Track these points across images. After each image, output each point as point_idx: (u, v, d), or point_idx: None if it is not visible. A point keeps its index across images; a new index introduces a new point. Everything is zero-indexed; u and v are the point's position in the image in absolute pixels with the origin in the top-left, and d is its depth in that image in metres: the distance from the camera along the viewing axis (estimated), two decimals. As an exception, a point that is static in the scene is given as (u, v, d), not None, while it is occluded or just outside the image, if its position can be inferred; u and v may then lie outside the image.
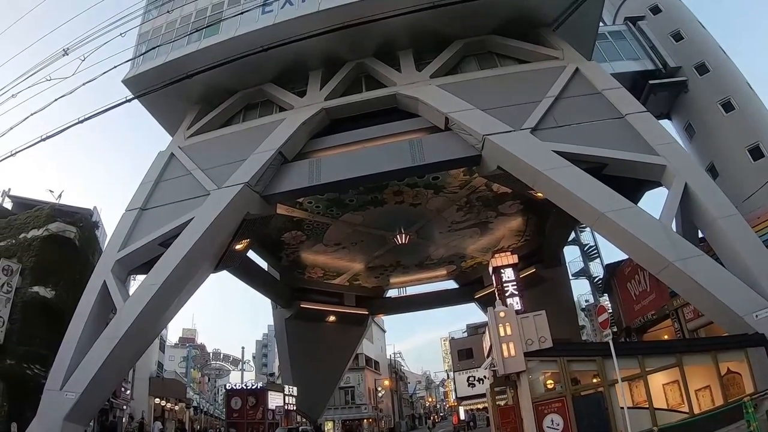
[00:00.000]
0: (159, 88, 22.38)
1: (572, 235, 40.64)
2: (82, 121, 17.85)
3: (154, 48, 26.35)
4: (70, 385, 18.66)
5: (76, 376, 18.80)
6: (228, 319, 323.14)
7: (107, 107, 17.74)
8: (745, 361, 14.38)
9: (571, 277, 40.05)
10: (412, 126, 23.01)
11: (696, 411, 14.30)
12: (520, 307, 24.63)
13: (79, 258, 27.59)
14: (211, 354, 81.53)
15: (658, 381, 15.19)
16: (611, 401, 15.06)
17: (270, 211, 23.86)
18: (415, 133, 22.69)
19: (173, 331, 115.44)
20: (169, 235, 21.40)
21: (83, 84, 17.20)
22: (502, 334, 16.77)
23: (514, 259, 28.63)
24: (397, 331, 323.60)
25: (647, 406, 14.79)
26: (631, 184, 18.76)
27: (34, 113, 18.18)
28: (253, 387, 36.62)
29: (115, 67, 19.22)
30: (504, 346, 16.67)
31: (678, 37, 32.83)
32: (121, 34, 20.52)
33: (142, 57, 26.47)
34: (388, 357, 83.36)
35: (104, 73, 17.78)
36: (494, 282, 28.62)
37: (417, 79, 23.49)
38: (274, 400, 36.18)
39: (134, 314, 19.59)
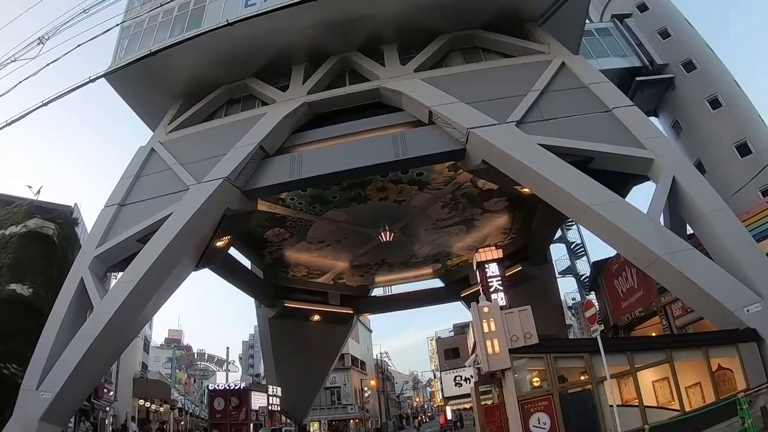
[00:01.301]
0: (125, 67, 21.96)
1: (559, 233, 40.62)
2: (46, 104, 17.45)
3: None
4: (46, 385, 18.06)
5: (52, 375, 18.21)
6: (215, 320, 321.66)
7: (72, 87, 17.28)
8: (736, 357, 14.04)
9: (557, 275, 40.03)
10: (396, 120, 22.63)
11: (687, 408, 13.96)
12: (504, 303, 24.02)
13: (57, 255, 26.88)
14: (195, 354, 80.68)
15: (647, 378, 14.82)
16: (600, 399, 14.63)
17: (250, 207, 23.34)
18: (399, 128, 22.30)
19: (159, 332, 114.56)
20: (148, 230, 20.85)
21: (47, 64, 16.63)
22: (486, 330, 16.21)
23: (498, 253, 28.05)
24: (384, 332, 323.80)
25: (637, 403, 14.42)
26: (618, 178, 18.42)
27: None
28: (236, 387, 35.96)
29: (79, 45, 18.65)
30: (488, 343, 16.10)
31: (665, 34, 33.06)
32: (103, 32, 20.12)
33: (123, 50, 25.97)
34: (375, 357, 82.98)
35: (67, 53, 17.22)
36: (478, 277, 28.03)
37: (401, 73, 23.11)
38: (258, 400, 35.53)
39: (111, 312, 19.00)
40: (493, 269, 27.88)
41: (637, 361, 14.88)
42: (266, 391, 37.74)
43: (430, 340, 79.67)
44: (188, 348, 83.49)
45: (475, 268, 28.30)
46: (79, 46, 18.39)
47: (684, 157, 18.29)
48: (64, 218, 29.18)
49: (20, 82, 16.71)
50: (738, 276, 14.83)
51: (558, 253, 41.71)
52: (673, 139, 30.47)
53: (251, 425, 33.64)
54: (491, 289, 25.76)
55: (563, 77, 21.41)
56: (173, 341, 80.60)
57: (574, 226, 42.13)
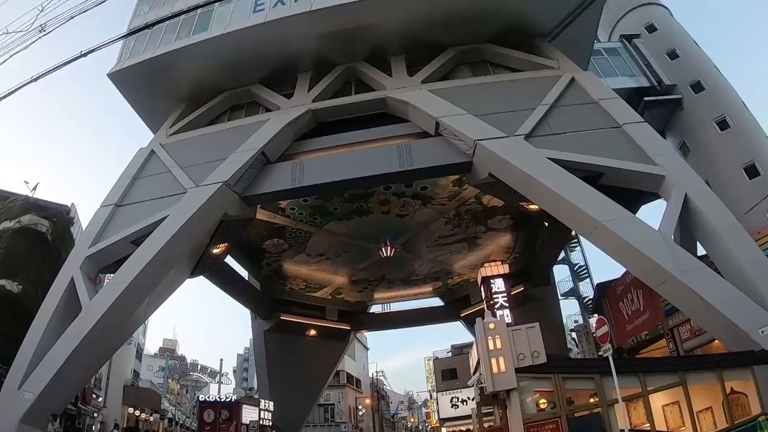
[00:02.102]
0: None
1: (562, 255, 40.03)
2: (36, 79, 16.90)
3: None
4: (28, 385, 17.40)
5: (35, 375, 17.55)
6: (210, 332, 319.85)
7: (61, 63, 16.83)
8: (751, 380, 13.33)
9: (560, 297, 39.23)
10: (402, 131, 22.25)
11: (701, 433, 13.21)
12: (510, 320, 23.20)
13: (50, 253, 26.43)
14: (188, 365, 79.56)
15: (657, 402, 14.13)
16: (610, 423, 13.90)
17: (249, 214, 22.85)
18: (404, 138, 21.91)
19: (154, 341, 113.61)
20: (142, 232, 20.33)
21: (39, 37, 16.19)
22: (491, 347, 15.45)
23: (504, 269, 27.25)
24: (381, 351, 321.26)
25: (648, 428, 13.72)
26: (627, 196, 17.87)
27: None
28: (227, 400, 35.13)
29: (72, 17, 18.24)
30: (493, 361, 15.36)
31: (673, 55, 32.92)
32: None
33: (129, 51, 25.72)
34: (371, 375, 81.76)
35: (60, 25, 16.79)
36: (483, 293, 27.22)
37: (408, 84, 22.81)
38: (249, 414, 34.70)
39: (99, 313, 18.39)
40: (498, 285, 27.12)
41: (650, 384, 14.16)
42: (258, 405, 36.92)
43: (428, 360, 78.39)
44: (182, 358, 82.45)
45: (479, 283, 27.56)
46: (72, 18, 17.86)
47: (695, 175, 17.62)
48: (59, 216, 28.85)
49: (10, 56, 16.08)
50: (751, 296, 14.24)
51: (561, 274, 40.94)
52: (681, 160, 30.00)
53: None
54: (496, 306, 24.91)
55: (573, 92, 21.08)
56: (167, 351, 79.53)
57: (578, 248, 41.60)
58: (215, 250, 24.70)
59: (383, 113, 23.08)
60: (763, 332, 13.53)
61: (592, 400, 15.06)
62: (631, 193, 18.21)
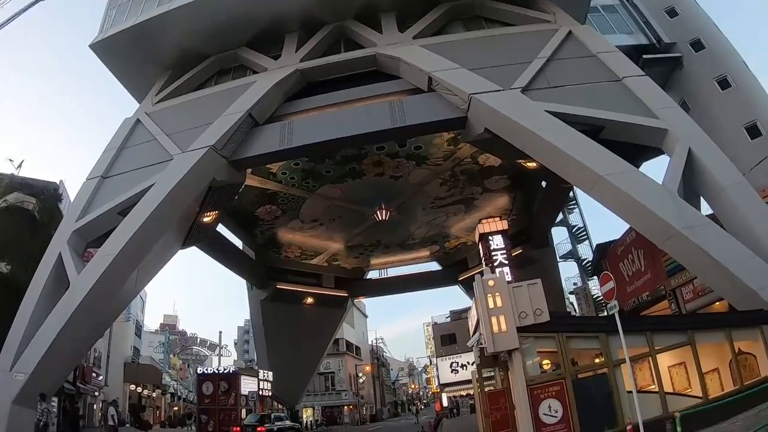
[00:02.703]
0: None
1: (560, 216, 39.53)
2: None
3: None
4: (20, 366, 17.01)
5: (26, 355, 17.16)
6: (211, 306, 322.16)
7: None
8: (759, 340, 12.82)
9: (558, 260, 38.90)
10: (393, 88, 21.49)
11: (709, 395, 12.75)
12: (510, 279, 22.44)
13: (38, 232, 25.58)
14: (188, 339, 79.57)
15: (663, 363, 13.51)
16: (617, 384, 13.29)
17: (238, 179, 22.12)
18: (396, 96, 21.12)
19: (154, 318, 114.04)
20: (129, 203, 19.71)
21: None
22: (491, 306, 14.53)
23: (503, 225, 26.16)
24: (380, 318, 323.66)
25: (655, 389, 13.16)
26: (628, 151, 17.03)
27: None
28: (225, 371, 34.81)
29: None
30: (493, 320, 14.45)
31: (672, 13, 31.96)
32: None
33: (111, 21, 24.90)
34: (370, 342, 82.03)
35: None
36: (481, 250, 26.28)
37: (399, 40, 21.97)
38: (248, 385, 34.45)
39: (87, 287, 17.88)
40: (497, 242, 26.11)
41: (657, 343, 13.53)
42: (257, 376, 36.71)
43: (427, 326, 78.71)
44: (183, 333, 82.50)
45: (477, 240, 26.69)
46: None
47: (699, 129, 16.90)
48: (47, 194, 28.11)
49: None
50: (759, 254, 13.70)
51: (559, 236, 40.52)
52: (681, 118, 29.35)
53: (242, 411, 32.49)
54: (495, 263, 23.95)
55: (570, 46, 20.34)
56: (168, 326, 79.57)
57: (576, 209, 41.09)
58: (206, 219, 24.11)
59: (374, 71, 22.28)
60: None
61: (597, 361, 14.42)
62: (632, 149, 17.45)
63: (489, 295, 14.78)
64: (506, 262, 24.10)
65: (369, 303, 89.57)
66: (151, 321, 73.18)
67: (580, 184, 17.49)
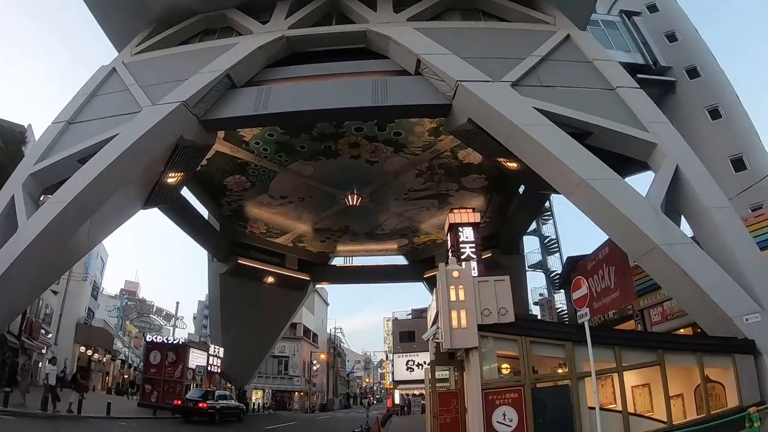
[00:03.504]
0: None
1: (534, 226, 39.21)
2: None
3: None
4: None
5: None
6: (175, 277, 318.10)
7: None
8: (729, 369, 12.24)
9: (527, 269, 38.48)
10: (380, 67, 20.71)
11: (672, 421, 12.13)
12: (476, 274, 21.56)
13: None
14: (144, 305, 77.71)
15: (627, 382, 12.83)
16: (578, 398, 12.55)
17: (207, 141, 21.09)
18: (382, 75, 20.32)
19: (116, 283, 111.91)
20: (90, 151, 18.71)
21: None
22: (452, 298, 13.62)
23: (475, 217, 24.91)
24: (342, 309, 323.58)
25: (617, 409, 12.49)
26: (614, 163, 16.40)
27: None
28: (175, 342, 33.69)
29: None
30: (453, 314, 13.59)
31: (672, 38, 32.09)
32: None
33: None
34: (329, 331, 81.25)
35: None
36: (449, 241, 25.26)
37: (392, 19, 21.30)
38: (197, 358, 33.41)
39: (34, 233, 16.90)
40: (467, 234, 24.66)
41: (625, 359, 12.81)
42: (207, 351, 35.68)
43: (387, 320, 77.98)
44: (142, 301, 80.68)
45: (446, 230, 25.80)
46: None
47: (689, 148, 16.44)
48: (10, 135, 26.91)
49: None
50: (738, 281, 13.22)
51: (530, 246, 40.22)
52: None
53: (191, 385, 31.49)
54: (463, 256, 22.98)
55: (567, 49, 19.82)
56: (128, 292, 77.78)
57: (551, 220, 40.80)
58: (170, 179, 23.11)
59: (362, 50, 21.51)
60: (747, 320, 12.54)
61: (560, 371, 13.74)
62: (617, 160, 16.81)
63: (452, 286, 13.90)
64: (474, 256, 23.04)
65: (332, 292, 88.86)
66: (113, 286, 71.44)
67: (561, 186, 16.75)
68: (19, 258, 16.54)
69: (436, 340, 15.75)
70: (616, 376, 12.85)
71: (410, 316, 64.14)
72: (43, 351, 36.49)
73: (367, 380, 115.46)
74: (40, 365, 34.21)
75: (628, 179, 18.59)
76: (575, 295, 12.84)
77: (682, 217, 16.48)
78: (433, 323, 16.62)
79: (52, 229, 17.23)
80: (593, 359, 11.71)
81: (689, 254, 13.71)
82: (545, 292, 38.39)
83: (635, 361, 12.95)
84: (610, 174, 15.30)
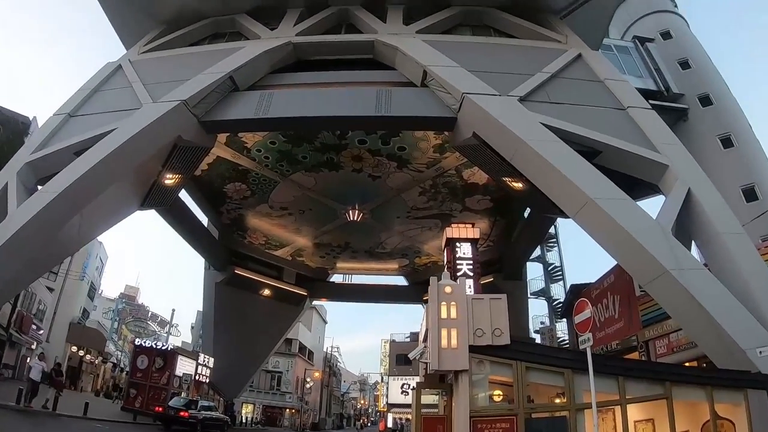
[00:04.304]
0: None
1: (537, 252, 38.51)
2: None
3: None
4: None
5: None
6: (179, 286, 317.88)
7: None
8: (742, 405, 11.38)
9: (529, 296, 37.70)
10: (386, 78, 20.29)
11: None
12: (472, 292, 20.58)
13: None
14: (138, 309, 76.89)
15: (630, 415, 11.95)
16: None
17: (206, 143, 20.59)
18: (387, 86, 19.84)
19: (116, 286, 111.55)
20: (86, 144, 18.38)
21: None
22: (443, 315, 12.70)
23: (474, 233, 24.08)
24: (341, 328, 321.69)
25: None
26: (622, 185, 15.76)
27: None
28: (163, 347, 32.96)
29: None
30: (443, 333, 12.68)
31: (685, 65, 31.95)
32: None
33: None
34: (325, 350, 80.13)
35: None
36: (445, 257, 24.35)
37: (401, 31, 20.96)
38: (185, 366, 32.62)
39: (22, 221, 16.48)
40: (465, 250, 23.57)
41: (630, 391, 11.92)
42: (196, 359, 34.84)
43: (385, 342, 76.83)
44: (139, 306, 79.96)
45: (443, 245, 25.01)
46: None
47: (701, 171, 15.78)
48: (13, 124, 26.79)
49: None
50: (751, 311, 12.47)
51: (533, 272, 39.52)
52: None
53: (170, 392, 30.65)
54: (459, 274, 22.02)
55: (577, 68, 19.37)
56: (128, 297, 77.12)
57: (555, 248, 40.11)
58: (167, 181, 22.62)
59: (370, 61, 21.16)
60: (761, 353, 11.70)
61: (558, 401, 12.87)
62: (626, 183, 16.14)
63: (443, 302, 12.99)
64: (471, 273, 22.06)
65: (331, 310, 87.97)
66: (114, 290, 70.77)
67: (567, 206, 16.01)
68: (4, 245, 16.12)
69: (423, 361, 14.83)
70: (618, 409, 11.96)
71: (408, 339, 63.20)
72: (33, 347, 36.14)
73: (362, 402, 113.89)
74: (28, 360, 33.72)
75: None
76: (578, 319, 11.94)
77: (693, 243, 15.79)
78: (424, 339, 15.74)
79: (40, 219, 16.83)
80: (594, 389, 10.84)
81: (701, 281, 12.97)
82: (547, 320, 37.62)
83: (640, 394, 12.06)
84: (618, 194, 14.63)
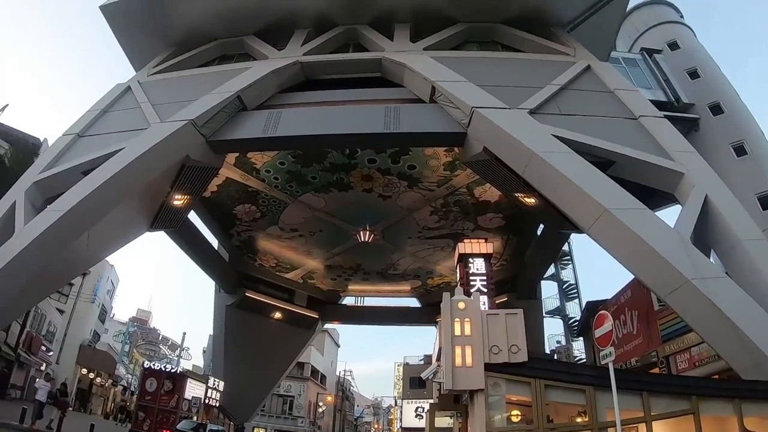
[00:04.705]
0: None
1: (552, 270, 37.99)
2: None
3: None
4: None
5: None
6: (189, 311, 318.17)
7: None
8: (772, 418, 10.71)
9: (544, 315, 37.04)
10: (394, 95, 20.20)
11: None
12: (486, 309, 20.02)
13: (7, 179, 24.43)
14: (149, 332, 76.38)
15: None
16: None
17: (214, 162, 20.48)
18: (395, 103, 19.73)
19: (128, 309, 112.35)
20: (94, 164, 18.40)
21: None
22: (457, 332, 12.21)
23: (487, 248, 23.50)
24: (355, 352, 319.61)
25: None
26: (638, 196, 15.48)
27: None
28: (172, 370, 32.57)
29: None
30: (457, 351, 12.16)
31: (694, 75, 31.59)
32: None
33: None
34: (338, 373, 79.25)
35: None
36: (458, 273, 23.77)
37: (408, 48, 20.97)
38: (194, 389, 32.18)
39: (28, 239, 16.40)
40: (478, 266, 22.81)
41: (655, 407, 11.40)
42: (206, 382, 34.42)
43: (398, 365, 75.84)
44: (151, 329, 79.48)
45: (456, 262, 24.52)
46: None
47: (718, 178, 15.38)
48: (22, 144, 27.02)
49: None
50: (775, 320, 11.89)
51: (548, 291, 38.85)
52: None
53: (179, 415, 30.22)
54: (473, 290, 21.41)
55: (587, 79, 19.19)
56: (140, 321, 76.79)
57: (570, 265, 39.55)
58: (176, 202, 22.52)
59: (378, 79, 21.16)
60: None
61: (579, 420, 12.35)
62: (641, 193, 15.81)
63: (457, 319, 12.54)
64: (485, 290, 21.45)
65: (344, 334, 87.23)
66: (127, 313, 70.60)
67: (581, 218, 15.53)
68: (11, 263, 16.02)
69: (437, 381, 14.33)
70: (643, 426, 11.43)
71: (422, 361, 62.29)
72: (42, 368, 35.91)
73: (375, 426, 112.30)
74: (37, 381, 33.59)
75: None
76: (598, 332, 11.46)
77: (712, 252, 15.36)
78: (438, 358, 15.25)
79: (47, 238, 16.71)
80: (618, 406, 10.31)
81: (724, 289, 12.46)
82: (563, 339, 36.90)
83: (666, 409, 11.51)
84: (635, 203, 14.23)
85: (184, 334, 63.07)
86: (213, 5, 22.70)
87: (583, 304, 35.24)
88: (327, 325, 53.15)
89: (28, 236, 16.53)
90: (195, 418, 30.19)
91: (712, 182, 15.04)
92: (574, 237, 36.70)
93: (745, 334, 11.73)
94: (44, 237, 16.57)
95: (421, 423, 51.81)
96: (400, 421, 58.91)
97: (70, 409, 21.52)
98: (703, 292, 12.30)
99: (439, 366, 13.49)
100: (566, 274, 39.36)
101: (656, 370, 19.70)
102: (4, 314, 19.39)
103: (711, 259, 14.99)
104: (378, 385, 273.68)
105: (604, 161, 15.66)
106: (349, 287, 41.00)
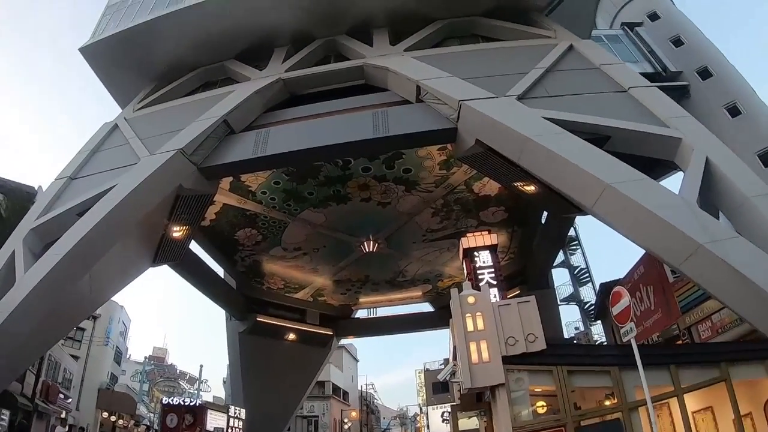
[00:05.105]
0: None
1: (561, 257, 37.70)
2: None
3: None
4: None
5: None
6: (204, 343, 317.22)
7: None
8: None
9: (559, 303, 36.68)
10: (381, 100, 19.99)
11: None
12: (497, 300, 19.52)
13: (4, 229, 24.28)
14: (166, 368, 75.82)
15: (687, 406, 10.99)
16: None
17: (207, 189, 20.33)
18: (382, 107, 19.55)
19: (143, 348, 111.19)
20: (88, 204, 18.29)
21: None
22: (470, 328, 11.94)
23: (491, 239, 23.16)
24: (375, 366, 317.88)
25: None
26: (638, 169, 15.17)
27: None
28: (191, 404, 32.32)
29: None
30: (472, 347, 11.81)
31: (678, 42, 31.04)
32: None
33: (103, 29, 24.65)
34: (360, 388, 78.55)
35: None
36: (465, 269, 23.23)
37: (389, 51, 20.82)
38: (215, 420, 31.91)
39: (30, 286, 16.11)
40: (484, 258, 22.32)
41: (684, 380, 11.00)
42: (226, 412, 34.08)
43: (419, 372, 75.09)
44: (171, 367, 78.87)
45: (461, 257, 24.15)
46: None
47: (716, 138, 15.04)
48: (17, 193, 27.03)
49: None
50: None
51: (560, 279, 38.51)
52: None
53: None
54: (481, 284, 20.82)
55: (571, 58, 19.02)
56: (157, 359, 76.22)
57: (578, 250, 39.23)
58: (175, 233, 22.26)
59: (362, 86, 21.03)
60: None
61: (607, 403, 11.89)
62: (641, 164, 15.52)
63: (468, 314, 12.24)
64: (495, 282, 20.80)
65: (362, 348, 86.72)
66: (142, 352, 70.03)
67: (583, 197, 15.11)
68: (15, 312, 15.70)
69: (455, 381, 13.90)
70: (674, 401, 11.05)
71: (442, 366, 61.66)
72: (62, 415, 35.73)
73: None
74: (56, 429, 33.28)
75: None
76: (616, 309, 11.10)
77: (721, 215, 15.02)
78: (453, 357, 14.82)
79: (48, 283, 16.46)
80: (647, 383, 9.83)
81: (738, 249, 11.98)
82: (581, 325, 36.52)
83: (696, 381, 11.21)
84: (636, 175, 13.84)
85: (201, 366, 62.85)
86: (189, 35, 22.81)
87: (597, 287, 34.95)
88: (343, 341, 52.62)
89: (29, 284, 16.28)
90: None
91: (711, 143, 14.71)
92: (580, 221, 36.37)
93: (767, 291, 11.27)
94: (45, 282, 16.32)
95: (449, 427, 51.29)
96: (428, 428, 58.28)
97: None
98: (718, 255, 11.84)
99: (455, 365, 13.03)
100: (576, 259, 39.16)
101: (679, 343, 19.35)
102: (15, 364, 19.07)
103: (721, 221, 14.69)
104: (402, 395, 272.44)
105: (599, 137, 15.36)
106: (360, 300, 40.67)
